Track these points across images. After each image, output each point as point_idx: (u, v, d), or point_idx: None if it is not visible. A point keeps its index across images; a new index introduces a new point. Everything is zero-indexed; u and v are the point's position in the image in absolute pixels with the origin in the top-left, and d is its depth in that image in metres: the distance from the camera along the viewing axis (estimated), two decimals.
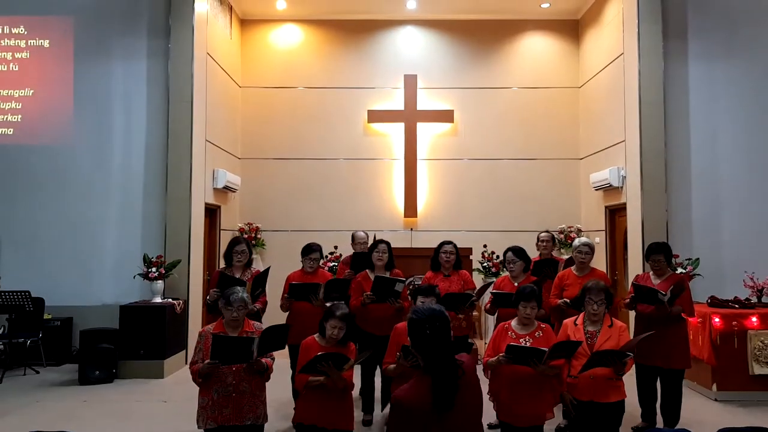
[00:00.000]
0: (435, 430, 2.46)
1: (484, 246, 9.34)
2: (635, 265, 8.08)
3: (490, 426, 5.27)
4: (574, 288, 5.29)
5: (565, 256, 7.27)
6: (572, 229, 10.15)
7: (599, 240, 9.62)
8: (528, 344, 4.19)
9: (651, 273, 5.44)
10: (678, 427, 5.19)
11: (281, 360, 5.83)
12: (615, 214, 9.43)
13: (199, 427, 3.92)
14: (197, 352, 4.05)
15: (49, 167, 8.41)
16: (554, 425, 5.40)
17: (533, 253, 6.28)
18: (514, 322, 4.36)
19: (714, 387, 6.39)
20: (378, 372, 5.71)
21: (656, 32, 8.24)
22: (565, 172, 10.75)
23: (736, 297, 6.99)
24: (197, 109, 8.40)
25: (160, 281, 7.60)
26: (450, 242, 5.87)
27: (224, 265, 5.74)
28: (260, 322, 4.64)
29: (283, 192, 10.70)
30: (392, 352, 4.28)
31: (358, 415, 5.51)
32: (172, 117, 8.24)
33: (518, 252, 5.69)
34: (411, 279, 6.83)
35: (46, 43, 8.57)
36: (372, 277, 5.58)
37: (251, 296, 5.24)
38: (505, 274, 6.10)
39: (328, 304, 4.63)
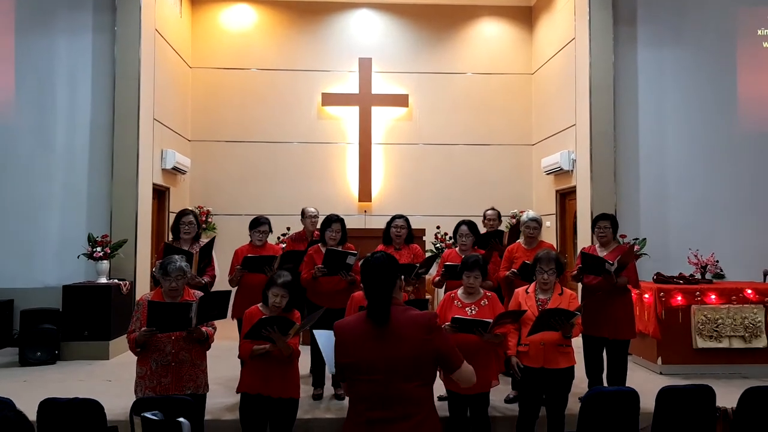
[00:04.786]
0: (368, 353, 2.59)
1: (437, 227, 9.37)
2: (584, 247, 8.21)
3: (440, 398, 5.27)
4: (522, 261, 5.39)
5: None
6: (524, 213, 10.25)
7: (550, 224, 9.76)
8: (474, 312, 4.28)
9: (597, 245, 5.53)
10: None
11: (232, 342, 5.74)
12: (565, 198, 9.58)
13: (137, 398, 3.81)
14: (134, 321, 3.96)
15: None
16: (503, 396, 5.43)
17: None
18: (460, 291, 4.44)
19: (659, 360, 6.52)
20: None
21: (607, 18, 8.37)
22: (517, 158, 10.89)
23: (680, 273, 7.16)
24: (145, 87, 8.17)
25: (105, 261, 7.38)
26: (401, 216, 5.85)
27: (172, 239, 5.61)
28: None
29: (235, 175, 10.55)
30: None
31: (308, 389, 5.49)
32: (119, 94, 7.97)
33: (472, 227, 5.71)
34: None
35: None
36: (324, 250, 5.53)
37: (198, 269, 5.15)
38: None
39: None
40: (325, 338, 2.96)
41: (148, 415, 3.24)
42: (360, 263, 2.92)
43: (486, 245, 5.84)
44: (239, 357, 4.14)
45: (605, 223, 5.41)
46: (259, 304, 4.12)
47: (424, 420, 2.54)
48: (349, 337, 2.65)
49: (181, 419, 3.28)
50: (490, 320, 4.05)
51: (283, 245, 8.27)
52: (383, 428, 2.49)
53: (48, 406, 3.27)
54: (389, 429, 2.49)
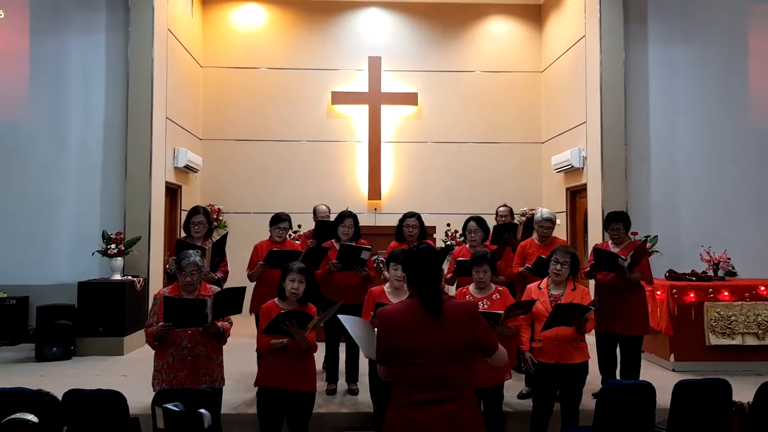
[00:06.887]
0: (420, 338, 2.63)
1: (448, 225, 9.39)
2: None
3: None
4: (536, 257, 5.39)
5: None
6: (534, 211, 10.26)
7: (560, 222, 9.75)
8: (486, 307, 4.31)
9: (610, 242, 5.54)
10: None
11: (247, 338, 5.78)
12: (576, 196, 9.59)
13: (154, 390, 3.85)
14: (152, 315, 4.02)
15: (3, 144, 8.08)
16: (516, 391, 5.44)
17: None
18: (471, 287, 4.48)
19: (672, 358, 6.53)
20: (342, 347, 5.70)
21: (617, 15, 8.38)
22: (527, 156, 10.90)
23: (693, 270, 7.16)
24: (158, 86, 8.23)
25: (119, 258, 7.43)
26: (413, 215, 5.79)
27: (185, 236, 5.65)
28: None
29: (245, 174, 10.61)
30: (367, 312, 4.31)
31: (322, 385, 5.51)
32: (132, 93, 8.03)
33: (480, 222, 5.73)
34: (375, 256, 6.82)
35: (0, 15, 8.28)
36: (338, 246, 5.56)
37: (211, 264, 5.18)
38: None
39: None
40: (354, 325, 2.96)
41: (169, 406, 3.28)
42: (403, 254, 2.92)
43: (499, 239, 5.85)
44: (257, 351, 4.17)
45: (618, 225, 5.42)
46: (275, 299, 4.15)
47: (467, 402, 2.65)
48: (399, 322, 2.69)
49: (202, 410, 3.33)
50: (502, 312, 4.08)
51: (297, 241, 8.34)
52: (430, 409, 2.57)
53: (72, 396, 3.33)
54: (436, 410, 2.57)
